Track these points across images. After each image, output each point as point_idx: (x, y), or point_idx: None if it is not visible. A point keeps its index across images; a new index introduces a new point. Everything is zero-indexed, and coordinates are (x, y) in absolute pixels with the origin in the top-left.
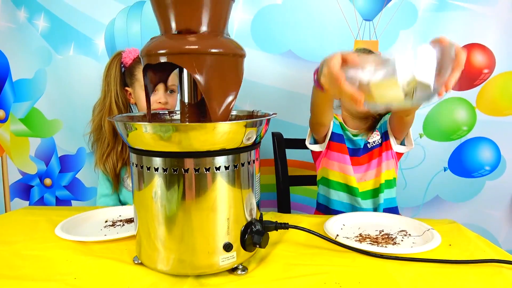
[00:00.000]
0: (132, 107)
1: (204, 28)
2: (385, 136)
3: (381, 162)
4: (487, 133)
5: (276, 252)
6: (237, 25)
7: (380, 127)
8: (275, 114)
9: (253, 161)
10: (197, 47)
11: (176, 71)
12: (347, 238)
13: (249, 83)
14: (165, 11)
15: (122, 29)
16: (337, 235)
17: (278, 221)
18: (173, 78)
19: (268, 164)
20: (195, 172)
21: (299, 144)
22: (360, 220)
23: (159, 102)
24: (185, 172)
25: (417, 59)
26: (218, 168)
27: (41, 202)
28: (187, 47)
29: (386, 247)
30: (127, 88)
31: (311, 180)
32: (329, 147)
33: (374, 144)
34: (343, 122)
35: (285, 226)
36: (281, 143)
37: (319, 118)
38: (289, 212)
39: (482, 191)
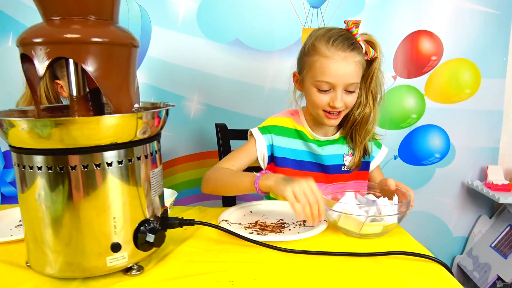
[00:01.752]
0: (63, 101)
1: (90, 15)
2: (364, 165)
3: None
4: (436, 120)
5: (182, 248)
6: (183, 13)
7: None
8: (173, 105)
9: (151, 154)
10: (79, 36)
11: None
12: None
13: (196, 73)
14: None
15: None
16: (223, 220)
17: (192, 217)
18: None
19: (212, 156)
20: (82, 169)
21: (245, 135)
22: (267, 208)
23: None
24: (71, 170)
25: (393, 203)
26: (108, 164)
27: None
28: (67, 35)
29: (266, 235)
30: (57, 81)
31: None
32: (271, 169)
33: (348, 170)
34: (306, 129)
35: (190, 222)
36: (225, 134)
37: (228, 193)
38: (235, 200)
39: (432, 179)
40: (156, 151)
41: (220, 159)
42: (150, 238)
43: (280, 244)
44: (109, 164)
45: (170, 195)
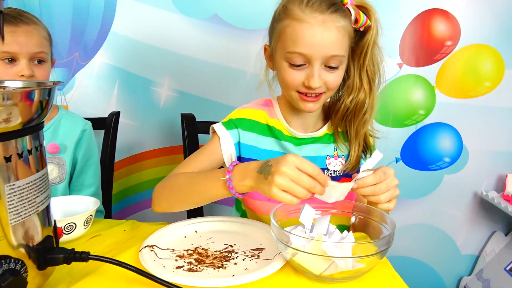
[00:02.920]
0: None
1: None
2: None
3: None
4: (447, 118)
5: None
6: None
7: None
8: (59, 82)
9: (19, 155)
10: None
11: (44, 33)
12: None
13: (168, 53)
14: None
15: None
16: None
17: (120, 236)
18: (41, 43)
19: (176, 151)
20: None
21: None
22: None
23: (22, 75)
24: None
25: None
26: None
27: None
28: None
29: (200, 271)
30: None
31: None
32: None
33: (332, 175)
34: (281, 123)
35: (82, 257)
36: (192, 127)
37: (190, 204)
38: (201, 209)
39: (440, 187)
40: (30, 151)
41: (184, 157)
42: None
43: None
44: None
45: (89, 206)
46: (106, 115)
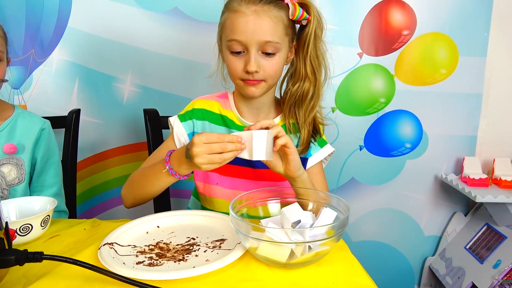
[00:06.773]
0: None
1: None
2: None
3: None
4: (407, 105)
5: None
6: None
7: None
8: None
9: None
10: None
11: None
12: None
13: (128, 48)
14: None
15: None
16: (106, 244)
17: (80, 235)
18: None
19: (142, 148)
20: None
21: None
22: (180, 221)
23: None
24: None
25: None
26: None
27: None
28: None
29: (161, 265)
30: None
31: None
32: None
33: None
34: (233, 114)
35: (35, 257)
36: (156, 122)
37: (150, 195)
38: (169, 204)
39: (402, 172)
40: None
41: (149, 153)
42: None
43: (172, 284)
44: None
45: (47, 206)
46: (66, 114)
